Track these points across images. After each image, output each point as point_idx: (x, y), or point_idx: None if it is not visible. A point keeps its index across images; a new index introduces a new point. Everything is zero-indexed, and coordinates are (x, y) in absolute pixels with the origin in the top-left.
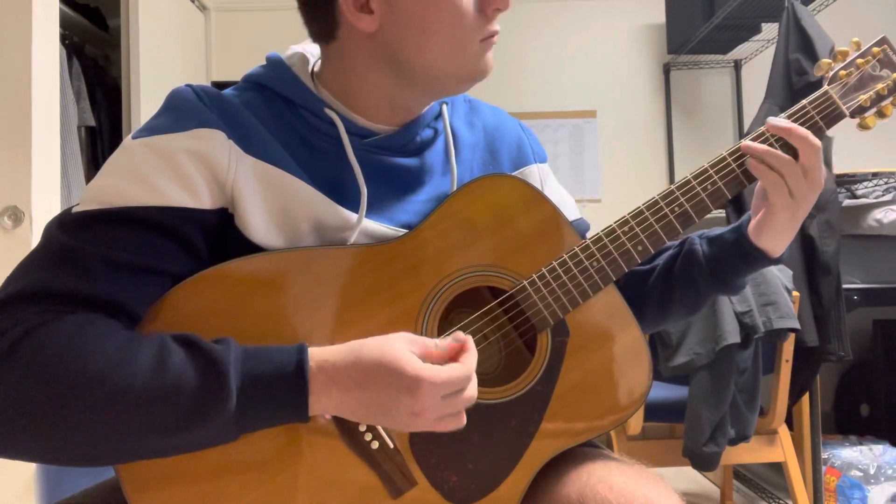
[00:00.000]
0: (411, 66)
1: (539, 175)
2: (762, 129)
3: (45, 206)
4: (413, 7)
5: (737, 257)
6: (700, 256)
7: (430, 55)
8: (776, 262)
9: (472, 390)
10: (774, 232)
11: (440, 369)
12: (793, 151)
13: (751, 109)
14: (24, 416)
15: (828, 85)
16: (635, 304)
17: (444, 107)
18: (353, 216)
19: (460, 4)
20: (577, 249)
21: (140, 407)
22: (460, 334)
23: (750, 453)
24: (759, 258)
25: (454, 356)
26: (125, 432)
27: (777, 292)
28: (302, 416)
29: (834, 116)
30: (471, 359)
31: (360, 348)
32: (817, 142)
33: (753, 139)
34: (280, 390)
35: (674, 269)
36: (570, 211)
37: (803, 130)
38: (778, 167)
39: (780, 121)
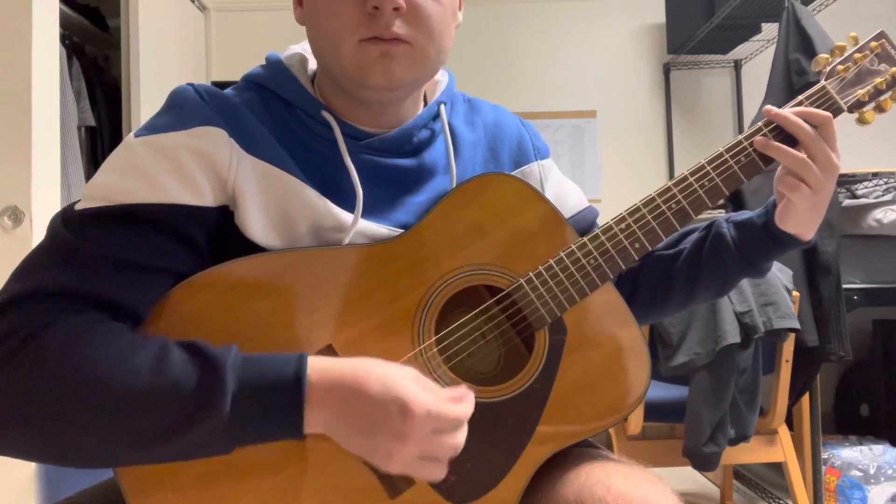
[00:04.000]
0: (317, 60)
1: (540, 173)
2: (759, 123)
3: (45, 206)
4: None
5: (767, 242)
6: (729, 240)
7: (318, 48)
8: (806, 244)
9: (461, 438)
10: (799, 219)
11: (434, 399)
12: (791, 141)
13: (751, 109)
14: (27, 417)
15: (825, 80)
16: (662, 288)
17: (442, 107)
18: (350, 217)
19: None
20: (573, 247)
21: (138, 408)
22: (464, 388)
23: (750, 453)
24: (790, 242)
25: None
26: (124, 434)
27: (777, 292)
28: (297, 429)
29: (831, 112)
30: (467, 405)
31: (366, 365)
32: (810, 128)
33: (751, 134)
34: (276, 399)
35: (702, 252)
36: (577, 201)
37: (796, 119)
38: (790, 165)
39: (776, 109)
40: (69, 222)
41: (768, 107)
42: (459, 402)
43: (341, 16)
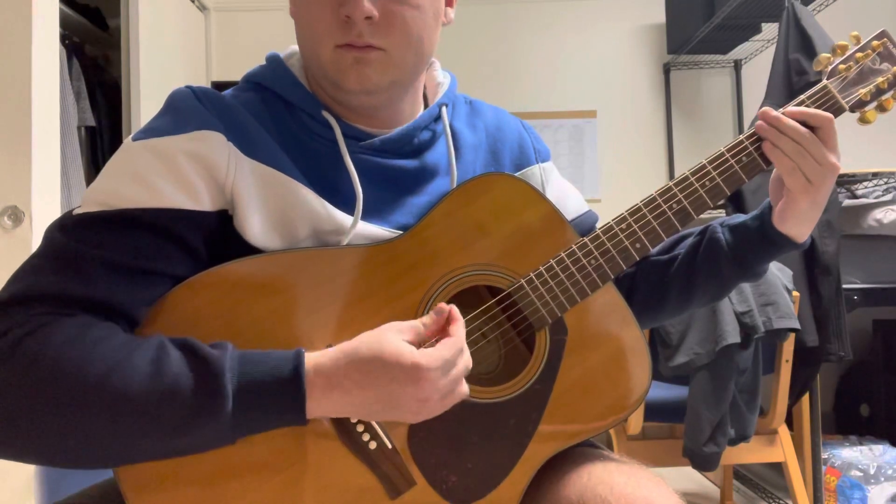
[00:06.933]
0: (304, 62)
1: (541, 175)
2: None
3: (45, 206)
4: None
5: (762, 245)
6: (723, 245)
7: (301, 49)
8: (801, 246)
9: (467, 358)
10: (798, 219)
11: (435, 351)
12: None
13: (751, 109)
14: (23, 418)
15: (827, 79)
16: (657, 293)
17: (444, 108)
18: (350, 219)
19: (315, 2)
20: (574, 248)
21: (136, 410)
22: (442, 305)
23: (750, 453)
24: (785, 244)
25: (443, 328)
26: (122, 435)
27: (777, 292)
28: (299, 422)
29: (833, 111)
30: (459, 328)
31: (355, 348)
32: (805, 131)
33: (752, 134)
34: (276, 396)
35: (696, 258)
36: (577, 204)
37: (791, 122)
38: (791, 154)
39: (772, 111)
40: (66, 227)
41: (765, 108)
42: (450, 326)
43: (319, 21)
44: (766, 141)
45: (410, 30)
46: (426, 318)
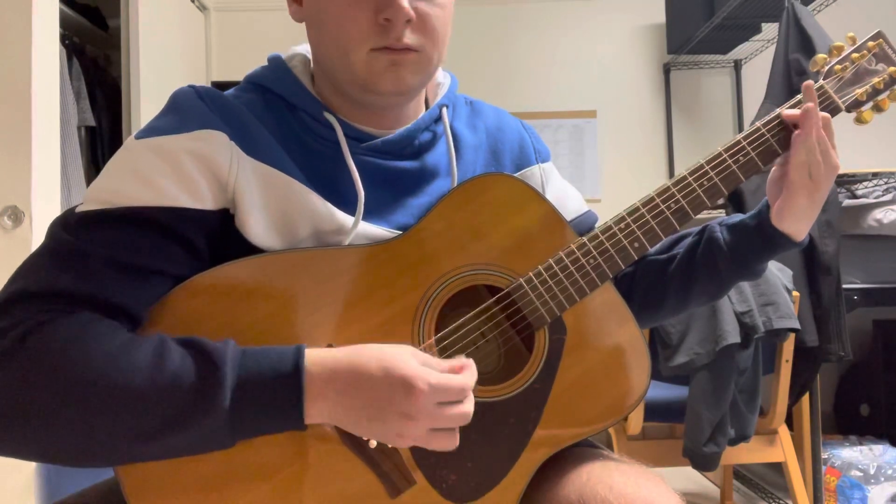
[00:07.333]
0: (318, 62)
1: (541, 176)
2: (758, 124)
3: (45, 206)
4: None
5: (760, 243)
6: (722, 244)
7: (323, 52)
8: (799, 245)
9: (468, 406)
10: (796, 216)
11: (437, 374)
12: (787, 143)
13: (751, 109)
14: (24, 415)
15: (823, 79)
16: (656, 292)
17: (444, 109)
18: (351, 219)
19: (349, 4)
20: (573, 247)
21: (137, 405)
22: (462, 358)
23: (750, 453)
24: (783, 243)
25: (455, 372)
26: (123, 431)
27: (777, 292)
28: (297, 420)
29: (830, 111)
30: (470, 373)
31: (360, 350)
32: (823, 115)
33: (749, 134)
34: (276, 390)
35: (695, 257)
36: (576, 205)
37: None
38: (810, 148)
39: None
40: (68, 225)
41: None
42: (461, 371)
43: (352, 24)
44: (799, 131)
45: (438, 29)
46: (443, 361)
